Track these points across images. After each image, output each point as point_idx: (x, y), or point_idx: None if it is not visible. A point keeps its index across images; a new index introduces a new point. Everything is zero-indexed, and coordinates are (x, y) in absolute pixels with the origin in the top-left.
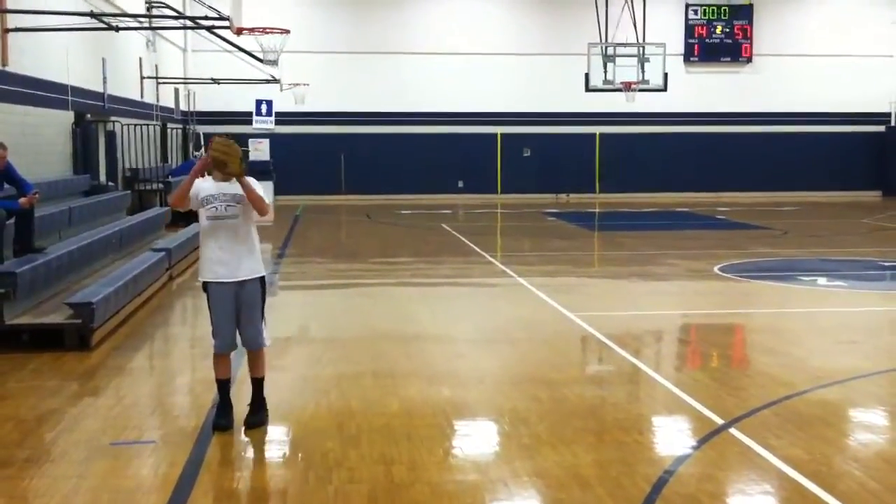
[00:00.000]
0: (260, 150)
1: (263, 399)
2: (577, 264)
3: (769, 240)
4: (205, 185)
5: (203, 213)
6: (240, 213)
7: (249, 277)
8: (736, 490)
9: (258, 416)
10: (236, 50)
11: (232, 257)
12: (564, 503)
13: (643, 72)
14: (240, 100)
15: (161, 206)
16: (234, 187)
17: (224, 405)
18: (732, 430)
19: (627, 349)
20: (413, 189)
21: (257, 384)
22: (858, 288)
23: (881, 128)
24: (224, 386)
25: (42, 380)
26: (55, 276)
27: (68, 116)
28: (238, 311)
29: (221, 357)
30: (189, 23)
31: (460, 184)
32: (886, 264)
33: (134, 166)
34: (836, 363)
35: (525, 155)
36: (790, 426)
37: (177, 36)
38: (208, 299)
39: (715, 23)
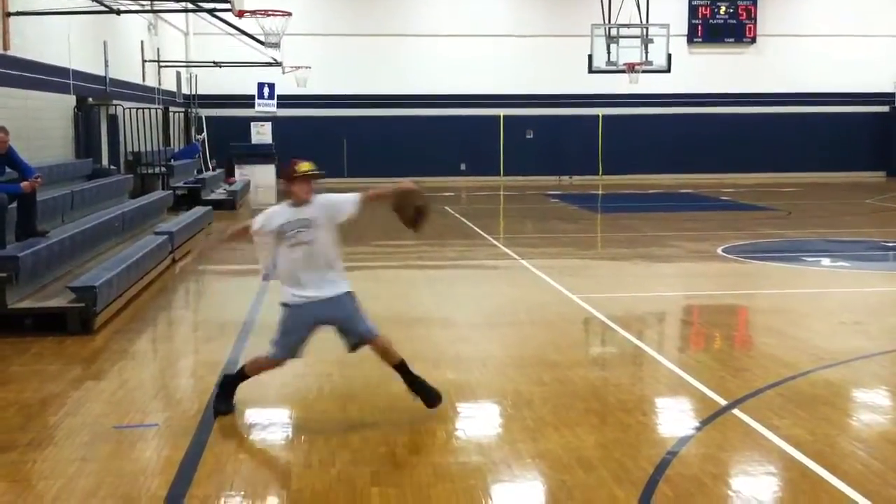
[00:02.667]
0: (262, 134)
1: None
2: (580, 246)
3: (773, 221)
4: (281, 213)
5: (282, 240)
6: (318, 236)
7: (336, 294)
8: (739, 471)
9: None
10: (238, 33)
11: (315, 277)
12: (567, 485)
13: (646, 53)
14: (242, 83)
15: (163, 189)
16: (305, 211)
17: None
18: (735, 411)
19: (630, 331)
20: (415, 172)
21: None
22: (862, 268)
23: (885, 108)
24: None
25: (45, 364)
26: (57, 260)
27: (70, 100)
28: (335, 325)
29: (276, 363)
30: (190, 5)
31: (463, 166)
32: (890, 245)
33: (136, 150)
34: (840, 344)
35: (528, 137)
36: (793, 407)
37: (178, 19)
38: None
39: (718, 3)
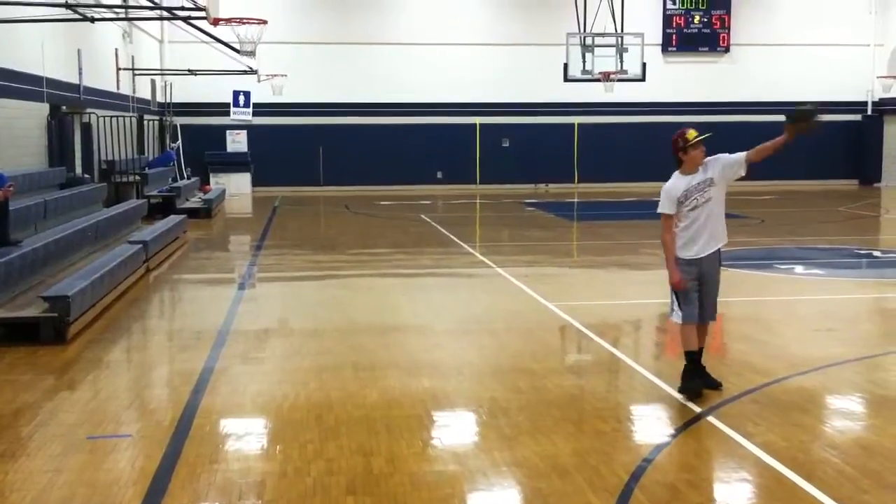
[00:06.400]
0: (238, 142)
1: (689, 370)
2: (556, 254)
3: (747, 228)
4: (677, 185)
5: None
6: (714, 194)
7: (716, 249)
8: (714, 478)
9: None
10: (213, 41)
11: (707, 234)
12: (543, 492)
13: (621, 62)
14: (217, 91)
15: (138, 198)
16: (708, 169)
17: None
18: (710, 418)
19: (606, 338)
20: (392, 180)
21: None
22: (835, 276)
23: (858, 117)
24: (693, 356)
25: (17, 374)
26: (30, 269)
27: (43, 108)
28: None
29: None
30: (165, 13)
31: (439, 174)
32: (862, 252)
33: (110, 158)
34: (814, 351)
35: (504, 145)
36: (768, 413)
37: (153, 27)
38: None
39: (693, 12)
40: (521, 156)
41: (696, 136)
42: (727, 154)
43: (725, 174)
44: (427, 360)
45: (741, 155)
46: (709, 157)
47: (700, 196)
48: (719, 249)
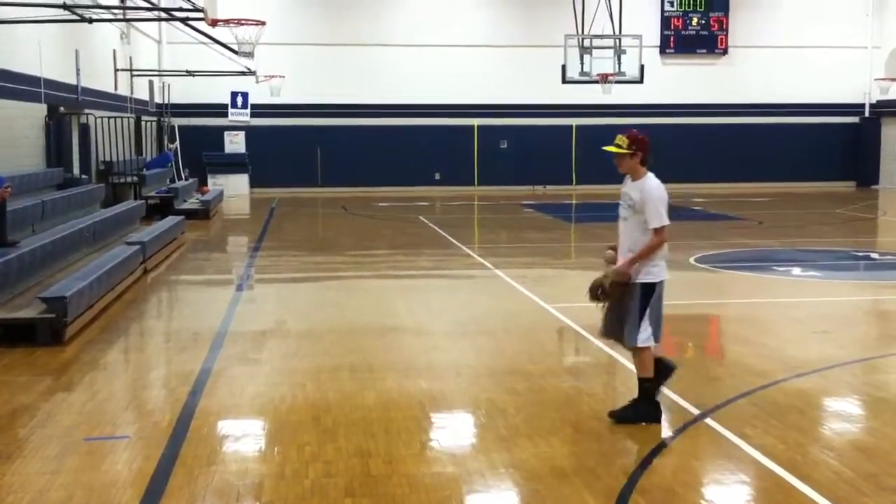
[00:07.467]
0: (236, 143)
1: (642, 398)
2: (554, 256)
3: (744, 230)
4: (624, 183)
5: None
6: (629, 216)
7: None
8: (712, 480)
9: (626, 411)
10: (211, 42)
11: (621, 255)
12: (541, 494)
13: (619, 64)
14: (215, 92)
15: (135, 199)
16: (633, 188)
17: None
18: (708, 420)
19: (604, 340)
20: (390, 181)
21: (639, 382)
22: (833, 278)
23: (855, 119)
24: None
25: (14, 375)
26: (28, 270)
27: (41, 109)
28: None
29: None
30: (163, 14)
31: (437, 176)
32: (860, 254)
33: (108, 159)
34: (811, 353)
35: (502, 147)
36: (765, 416)
37: (151, 28)
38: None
39: (691, 14)
40: (519, 157)
41: (608, 149)
42: (655, 201)
43: (640, 210)
44: (425, 361)
45: (652, 223)
46: (649, 184)
47: (622, 206)
48: (637, 283)
